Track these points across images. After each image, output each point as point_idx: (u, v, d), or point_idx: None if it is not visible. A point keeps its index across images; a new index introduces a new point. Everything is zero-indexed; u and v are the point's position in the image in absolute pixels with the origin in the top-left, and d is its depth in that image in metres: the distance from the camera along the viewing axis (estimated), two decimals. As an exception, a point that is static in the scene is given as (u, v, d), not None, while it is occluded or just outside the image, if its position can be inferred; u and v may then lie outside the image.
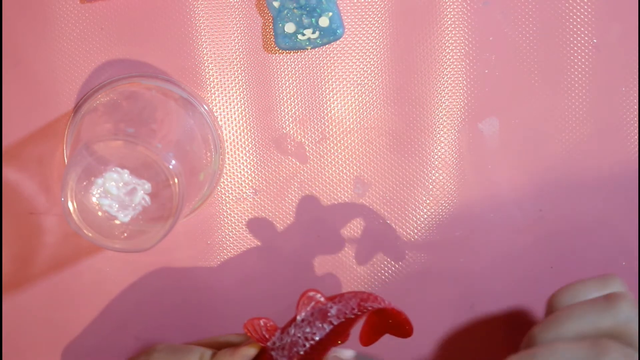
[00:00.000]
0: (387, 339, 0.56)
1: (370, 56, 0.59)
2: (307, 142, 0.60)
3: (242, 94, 0.60)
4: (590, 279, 0.50)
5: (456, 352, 0.64)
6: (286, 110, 0.60)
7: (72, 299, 0.61)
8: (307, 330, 0.48)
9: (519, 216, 0.61)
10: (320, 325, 0.48)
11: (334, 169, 0.61)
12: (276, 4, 0.57)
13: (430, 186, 0.61)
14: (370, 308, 0.50)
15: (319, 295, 0.49)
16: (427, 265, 0.62)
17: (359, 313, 0.49)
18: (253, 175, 0.60)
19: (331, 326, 0.49)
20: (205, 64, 0.59)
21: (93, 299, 0.61)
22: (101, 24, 0.58)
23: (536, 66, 0.60)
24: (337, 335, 0.49)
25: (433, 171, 0.61)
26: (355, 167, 0.61)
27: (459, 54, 0.59)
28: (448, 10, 0.59)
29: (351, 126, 0.60)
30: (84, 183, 0.50)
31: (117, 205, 0.51)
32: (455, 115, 0.60)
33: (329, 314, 0.48)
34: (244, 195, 0.61)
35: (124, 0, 0.58)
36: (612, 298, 0.47)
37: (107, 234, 0.51)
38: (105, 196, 0.51)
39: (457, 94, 0.60)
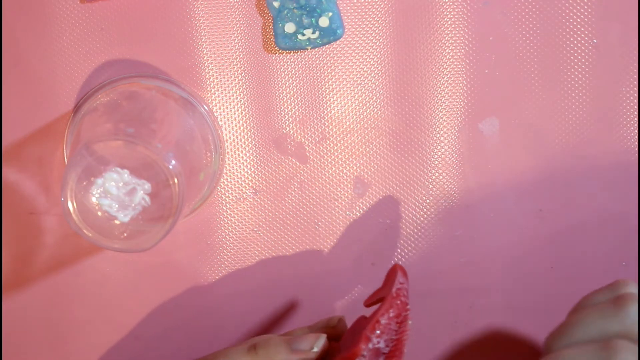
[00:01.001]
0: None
1: (370, 56, 0.59)
2: (307, 142, 0.60)
3: (242, 94, 0.60)
4: (602, 287, 0.49)
5: (456, 351, 0.64)
6: (286, 110, 0.60)
7: (72, 299, 0.61)
8: None
9: (519, 216, 0.61)
10: None
11: (334, 169, 0.61)
12: (276, 4, 0.57)
13: (430, 186, 0.61)
14: (405, 316, 0.51)
15: (364, 345, 0.50)
16: (427, 265, 0.62)
17: (402, 330, 0.51)
18: (253, 175, 0.60)
19: (385, 355, 0.50)
20: (205, 64, 0.59)
21: (93, 299, 0.61)
22: (101, 24, 0.58)
23: (536, 66, 0.60)
24: (393, 356, 0.50)
25: (433, 171, 0.61)
26: (355, 167, 0.61)
27: (459, 54, 0.59)
28: (448, 10, 0.59)
29: (351, 126, 0.60)
30: (84, 183, 0.50)
31: (117, 205, 0.51)
32: (455, 115, 0.60)
33: (381, 350, 0.50)
34: (244, 195, 0.61)
35: (124, 0, 0.58)
36: (619, 301, 0.46)
37: (107, 234, 0.51)
38: (105, 196, 0.51)
39: (457, 94, 0.60)
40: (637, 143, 0.61)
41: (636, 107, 0.60)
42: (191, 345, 0.63)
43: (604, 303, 0.46)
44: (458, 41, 0.59)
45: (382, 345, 0.50)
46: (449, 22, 0.59)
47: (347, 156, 0.61)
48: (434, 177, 0.61)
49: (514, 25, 0.59)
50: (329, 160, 0.61)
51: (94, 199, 0.51)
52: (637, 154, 0.61)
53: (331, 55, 0.59)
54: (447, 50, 0.59)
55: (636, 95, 0.60)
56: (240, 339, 0.63)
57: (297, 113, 0.60)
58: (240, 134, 0.60)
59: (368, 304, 0.54)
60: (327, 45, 0.59)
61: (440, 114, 0.60)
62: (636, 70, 0.60)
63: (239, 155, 0.60)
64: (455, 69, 0.60)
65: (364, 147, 0.60)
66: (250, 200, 0.61)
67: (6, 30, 0.58)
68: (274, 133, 0.60)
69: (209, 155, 0.58)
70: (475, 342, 0.63)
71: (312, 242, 0.61)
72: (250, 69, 0.59)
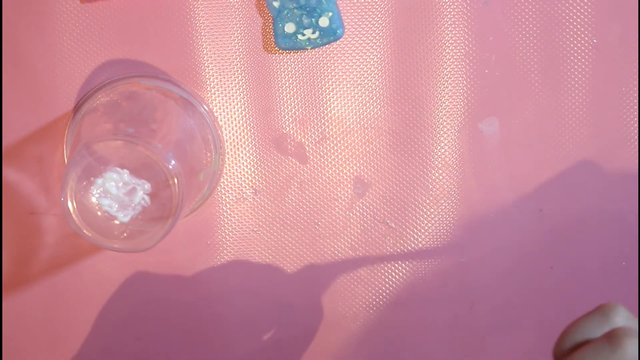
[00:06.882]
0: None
1: (370, 56, 0.59)
2: (307, 142, 0.60)
3: (242, 94, 0.60)
4: (590, 315, 0.47)
5: (456, 351, 0.64)
6: (286, 110, 0.60)
7: (72, 299, 0.61)
8: None
9: (519, 216, 0.61)
10: None
11: (334, 169, 0.61)
12: (276, 4, 0.57)
13: (430, 186, 0.61)
14: None
15: None
16: (427, 265, 0.62)
17: None
18: (253, 175, 0.61)
19: None
20: (205, 64, 0.59)
21: (93, 299, 0.61)
22: (101, 24, 0.58)
23: (536, 66, 0.60)
24: None
25: (433, 171, 0.61)
26: (355, 167, 0.61)
27: (459, 54, 0.59)
28: (448, 10, 0.59)
29: (351, 126, 0.60)
30: (84, 183, 0.50)
31: (116, 205, 0.51)
32: (455, 115, 0.60)
33: None
34: (244, 195, 0.61)
35: (124, 0, 0.58)
36: (614, 338, 0.45)
37: (107, 234, 0.51)
38: (105, 196, 0.51)
39: (457, 94, 0.60)
40: (637, 143, 0.61)
41: (636, 107, 0.60)
42: (191, 345, 0.63)
43: (598, 341, 0.45)
44: (458, 41, 0.59)
45: None
46: (449, 22, 0.59)
47: (347, 156, 0.61)
48: (434, 177, 0.61)
49: (514, 25, 0.59)
50: (329, 160, 0.61)
51: (93, 199, 0.51)
52: (637, 154, 0.61)
53: (331, 55, 0.59)
54: (447, 50, 0.59)
55: (636, 95, 0.60)
56: (241, 338, 0.63)
57: (297, 113, 0.60)
58: (240, 134, 0.60)
59: None
60: (327, 45, 0.59)
61: (440, 114, 0.60)
62: (636, 70, 0.60)
63: (239, 155, 0.60)
64: (455, 69, 0.60)
65: (364, 147, 0.60)
66: (250, 200, 0.61)
67: (6, 30, 0.58)
68: (274, 133, 0.60)
69: (209, 155, 0.58)
70: (475, 342, 0.63)
71: (312, 242, 0.61)
72: (250, 69, 0.59)
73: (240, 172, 0.60)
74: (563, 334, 0.47)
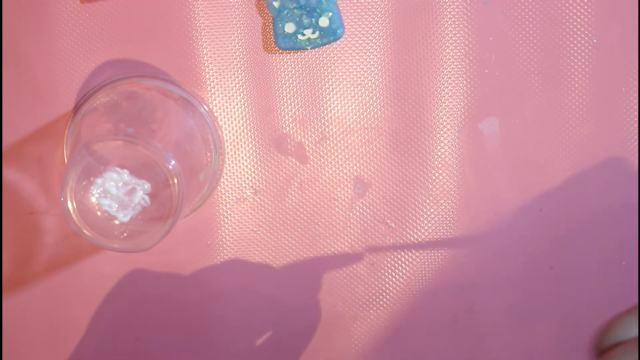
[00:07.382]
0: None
1: (370, 56, 0.59)
2: (307, 142, 0.60)
3: (242, 94, 0.60)
4: (625, 314, 0.47)
5: (456, 351, 0.64)
6: (286, 110, 0.60)
7: (72, 299, 0.61)
8: None
9: (519, 216, 0.61)
10: None
11: (334, 169, 0.61)
12: (276, 4, 0.57)
13: (430, 186, 0.61)
14: None
15: None
16: (427, 265, 0.62)
17: None
18: (253, 175, 0.61)
19: None
20: (205, 64, 0.59)
21: (93, 299, 0.61)
22: (101, 24, 0.58)
23: (536, 66, 0.60)
24: None
25: (433, 171, 0.61)
26: (355, 167, 0.61)
27: (459, 54, 0.59)
28: (448, 10, 0.59)
29: (351, 126, 0.60)
30: (84, 183, 0.50)
31: (116, 205, 0.51)
32: (455, 115, 0.60)
33: None
34: (244, 195, 0.61)
35: (124, 0, 0.58)
36: None
37: (107, 234, 0.51)
38: (105, 196, 0.51)
39: (457, 94, 0.60)
40: (637, 143, 0.60)
41: (636, 107, 0.60)
42: (191, 345, 0.63)
43: (634, 342, 0.45)
44: (458, 41, 0.59)
45: None
46: (449, 22, 0.59)
47: (347, 156, 0.61)
48: (434, 177, 0.61)
49: (514, 25, 0.59)
50: (329, 160, 0.61)
51: (93, 199, 0.51)
52: (637, 154, 0.61)
53: (331, 55, 0.59)
54: (447, 50, 0.59)
55: (636, 95, 0.60)
56: (240, 337, 0.63)
57: (297, 113, 0.60)
58: (240, 134, 0.60)
59: None
60: (327, 45, 0.59)
61: (440, 114, 0.60)
62: (636, 70, 0.60)
63: (239, 155, 0.60)
64: (455, 69, 0.60)
65: (364, 147, 0.60)
66: (250, 200, 0.61)
67: (6, 30, 0.58)
68: (274, 133, 0.60)
69: (209, 155, 0.58)
70: (475, 342, 0.63)
71: (312, 242, 0.61)
72: (250, 69, 0.59)
73: (240, 172, 0.60)
74: (604, 329, 0.47)
